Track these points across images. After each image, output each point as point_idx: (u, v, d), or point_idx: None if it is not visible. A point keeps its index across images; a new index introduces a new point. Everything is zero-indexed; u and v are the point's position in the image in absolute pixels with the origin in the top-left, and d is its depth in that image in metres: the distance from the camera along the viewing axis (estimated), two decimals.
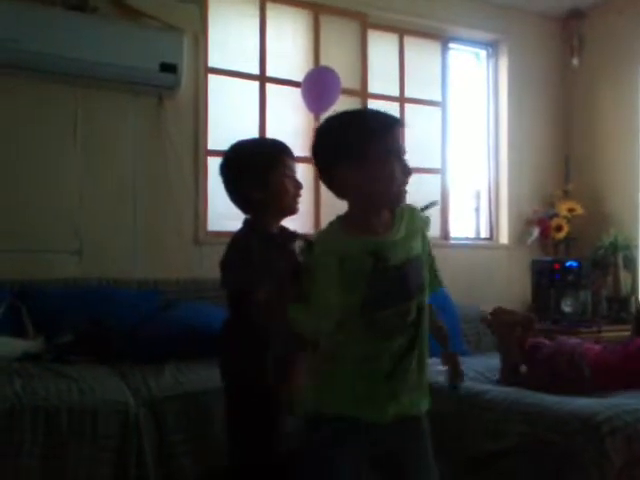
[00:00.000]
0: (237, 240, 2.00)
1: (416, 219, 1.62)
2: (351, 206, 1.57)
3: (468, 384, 2.88)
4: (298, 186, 2.05)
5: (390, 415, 1.55)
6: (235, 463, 2.03)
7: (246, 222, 2.07)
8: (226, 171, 2.08)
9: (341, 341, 1.52)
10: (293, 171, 2.05)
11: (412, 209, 1.63)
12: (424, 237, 1.62)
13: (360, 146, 1.51)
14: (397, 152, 1.55)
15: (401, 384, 1.56)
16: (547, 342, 2.91)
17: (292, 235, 2.09)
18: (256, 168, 1.99)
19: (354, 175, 1.50)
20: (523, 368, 2.86)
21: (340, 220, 1.58)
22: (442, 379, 1.99)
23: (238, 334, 2.00)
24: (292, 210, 2.06)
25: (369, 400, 1.54)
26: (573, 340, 2.93)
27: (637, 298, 4.35)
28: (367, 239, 1.52)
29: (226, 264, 1.96)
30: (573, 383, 2.69)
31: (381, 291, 1.49)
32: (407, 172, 1.56)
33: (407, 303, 1.53)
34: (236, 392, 2.00)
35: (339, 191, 1.55)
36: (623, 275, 4.37)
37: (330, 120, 1.64)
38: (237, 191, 2.06)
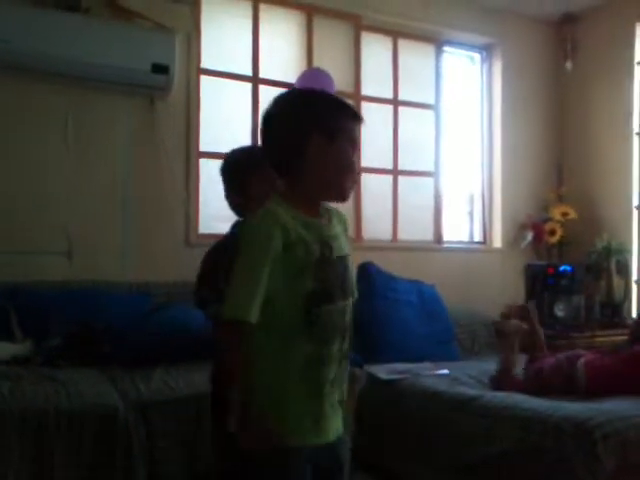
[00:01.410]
0: (217, 242, 2.20)
1: (341, 221, 1.58)
2: (300, 186, 1.48)
3: (461, 389, 2.88)
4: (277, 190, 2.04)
5: (333, 433, 1.47)
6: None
7: (234, 225, 2.20)
8: (221, 176, 2.20)
9: (278, 346, 1.41)
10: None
11: (336, 210, 1.58)
12: (347, 240, 1.57)
13: (336, 125, 1.48)
14: (357, 147, 1.54)
15: (338, 396, 1.48)
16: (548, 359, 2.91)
17: None
18: (236, 174, 2.11)
19: (323, 152, 1.45)
20: (518, 370, 2.86)
21: (283, 198, 1.48)
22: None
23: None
24: None
25: (316, 418, 1.44)
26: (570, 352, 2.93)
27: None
28: (317, 224, 1.47)
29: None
30: (565, 385, 2.69)
31: (326, 282, 1.43)
32: (357, 170, 1.54)
33: (345, 301, 1.47)
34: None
35: (296, 164, 1.46)
36: (616, 280, 4.36)
37: (306, 90, 1.66)
38: (226, 195, 2.17)
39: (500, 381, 2.85)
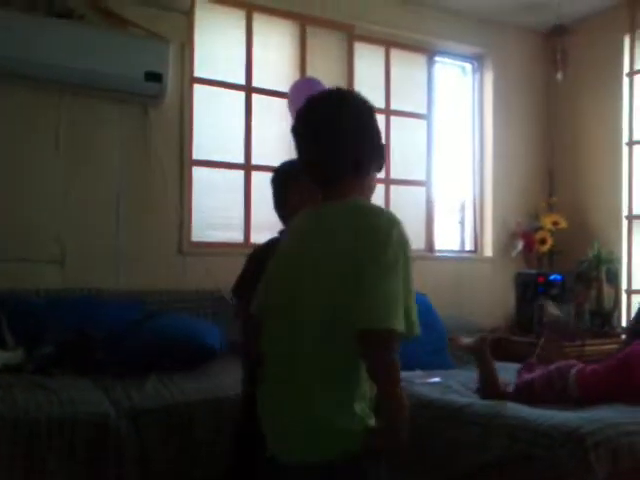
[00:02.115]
0: (255, 249, 2.35)
1: None
2: (361, 191, 1.54)
3: (452, 397, 2.89)
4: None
5: None
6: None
7: (280, 231, 2.28)
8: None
9: None
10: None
11: None
12: None
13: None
14: None
15: None
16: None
17: None
18: (278, 186, 2.25)
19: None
20: (510, 387, 2.86)
21: None
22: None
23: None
24: None
25: None
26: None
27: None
28: None
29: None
30: (557, 397, 2.70)
31: None
32: None
33: None
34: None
35: (367, 168, 1.54)
36: (606, 289, 4.39)
37: (358, 93, 1.62)
38: (274, 206, 2.29)
39: (488, 395, 2.85)
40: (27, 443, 2.30)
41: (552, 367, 2.81)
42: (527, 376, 2.87)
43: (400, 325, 1.35)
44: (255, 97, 4.03)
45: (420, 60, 4.67)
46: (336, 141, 1.50)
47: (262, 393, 1.55)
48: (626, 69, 4.51)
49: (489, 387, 2.86)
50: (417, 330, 1.43)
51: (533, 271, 4.50)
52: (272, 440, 1.51)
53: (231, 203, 3.95)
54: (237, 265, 2.28)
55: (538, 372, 2.84)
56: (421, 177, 4.62)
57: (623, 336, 4.22)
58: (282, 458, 1.47)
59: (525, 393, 2.76)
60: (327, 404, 1.39)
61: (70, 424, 2.37)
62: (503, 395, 2.80)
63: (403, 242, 1.40)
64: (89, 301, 3.29)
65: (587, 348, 3.86)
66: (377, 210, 1.47)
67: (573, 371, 2.72)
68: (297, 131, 1.57)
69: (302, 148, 1.57)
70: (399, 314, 1.35)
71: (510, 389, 2.85)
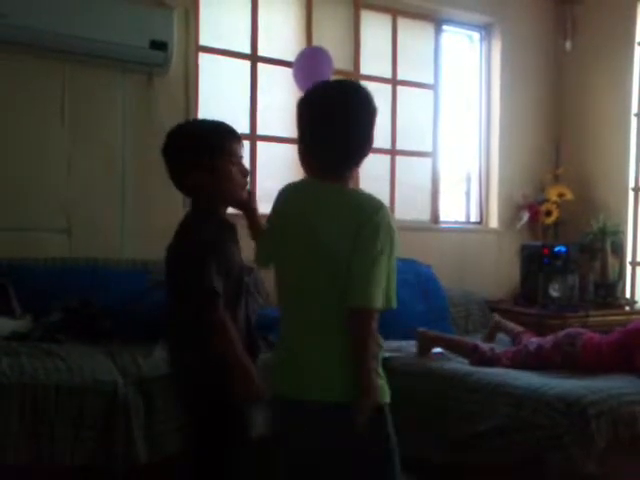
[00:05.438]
0: (197, 229, 1.90)
1: None
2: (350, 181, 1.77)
3: (455, 365, 2.92)
4: (245, 174, 2.02)
5: None
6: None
7: (198, 208, 1.98)
8: (169, 154, 2.01)
9: None
10: (239, 157, 2.01)
11: None
12: None
13: None
14: None
15: None
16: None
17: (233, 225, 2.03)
18: (200, 151, 1.93)
19: None
20: (496, 349, 2.93)
21: None
22: None
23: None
24: (239, 200, 2.03)
25: None
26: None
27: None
28: None
29: (183, 257, 1.90)
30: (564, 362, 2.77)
31: None
32: None
33: None
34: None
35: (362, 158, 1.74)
36: (611, 260, 4.39)
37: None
38: (180, 175, 2.01)
39: (482, 361, 2.90)
40: (35, 410, 2.34)
41: (561, 334, 2.88)
42: (535, 341, 2.94)
43: (379, 304, 1.63)
44: (261, 66, 3.99)
45: (427, 29, 4.60)
46: (356, 128, 1.66)
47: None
48: (638, 38, 4.44)
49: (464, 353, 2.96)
50: (394, 304, 1.69)
51: (538, 243, 4.49)
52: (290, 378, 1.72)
53: None
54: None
55: (547, 339, 2.91)
56: (427, 148, 4.59)
57: (627, 307, 4.26)
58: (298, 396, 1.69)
59: (532, 357, 2.83)
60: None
61: (78, 391, 2.41)
62: (495, 359, 2.86)
63: (391, 231, 1.63)
64: (95, 270, 3.31)
65: (591, 319, 3.88)
66: (375, 203, 1.65)
67: (580, 342, 2.77)
68: (311, 110, 1.69)
69: (314, 127, 1.69)
70: (380, 296, 1.62)
71: (497, 350, 2.91)
